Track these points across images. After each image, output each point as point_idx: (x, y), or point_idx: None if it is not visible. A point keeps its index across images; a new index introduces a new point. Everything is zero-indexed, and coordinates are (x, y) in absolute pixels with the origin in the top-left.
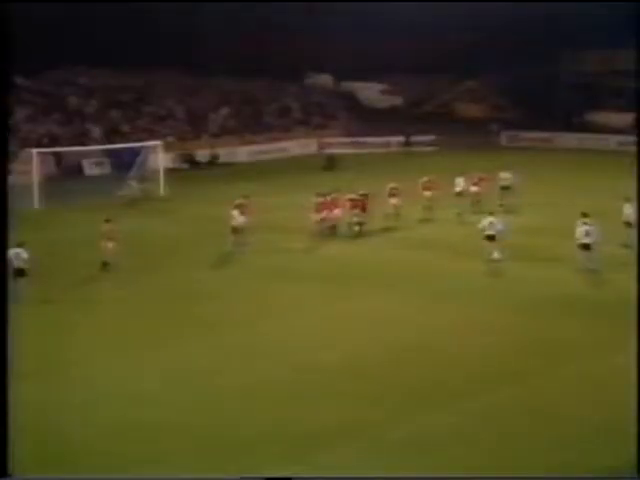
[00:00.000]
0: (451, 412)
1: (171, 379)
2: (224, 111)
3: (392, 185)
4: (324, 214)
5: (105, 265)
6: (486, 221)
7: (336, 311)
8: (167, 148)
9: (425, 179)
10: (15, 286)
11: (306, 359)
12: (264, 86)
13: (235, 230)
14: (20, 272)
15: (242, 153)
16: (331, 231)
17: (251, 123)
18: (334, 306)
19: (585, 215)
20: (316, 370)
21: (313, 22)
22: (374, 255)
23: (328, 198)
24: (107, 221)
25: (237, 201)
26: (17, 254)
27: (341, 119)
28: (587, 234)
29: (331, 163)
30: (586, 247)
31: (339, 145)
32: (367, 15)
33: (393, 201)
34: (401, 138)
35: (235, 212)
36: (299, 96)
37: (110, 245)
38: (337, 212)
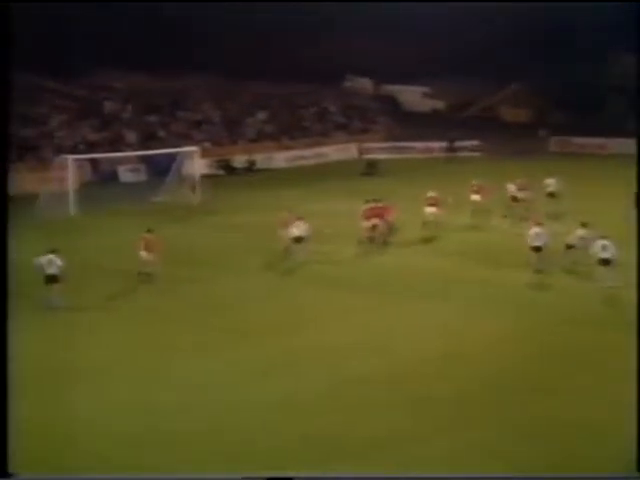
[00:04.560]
0: (489, 427)
1: (207, 388)
2: (261, 116)
3: (430, 194)
4: (372, 221)
5: (141, 274)
6: (532, 232)
7: (375, 321)
8: (203, 154)
9: (474, 182)
10: (47, 293)
11: (344, 369)
12: (302, 90)
13: (295, 240)
14: (53, 279)
15: (280, 159)
16: (377, 239)
17: (289, 128)
18: (374, 315)
19: (584, 225)
20: (353, 380)
21: (351, 24)
22: (415, 264)
23: (378, 204)
24: (148, 231)
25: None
26: (50, 260)
27: (381, 123)
28: (604, 248)
29: (371, 169)
30: (605, 262)
31: (379, 150)
32: (407, 17)
33: (431, 210)
34: (444, 143)
35: (300, 222)
36: (338, 100)
37: (149, 256)
38: (384, 219)
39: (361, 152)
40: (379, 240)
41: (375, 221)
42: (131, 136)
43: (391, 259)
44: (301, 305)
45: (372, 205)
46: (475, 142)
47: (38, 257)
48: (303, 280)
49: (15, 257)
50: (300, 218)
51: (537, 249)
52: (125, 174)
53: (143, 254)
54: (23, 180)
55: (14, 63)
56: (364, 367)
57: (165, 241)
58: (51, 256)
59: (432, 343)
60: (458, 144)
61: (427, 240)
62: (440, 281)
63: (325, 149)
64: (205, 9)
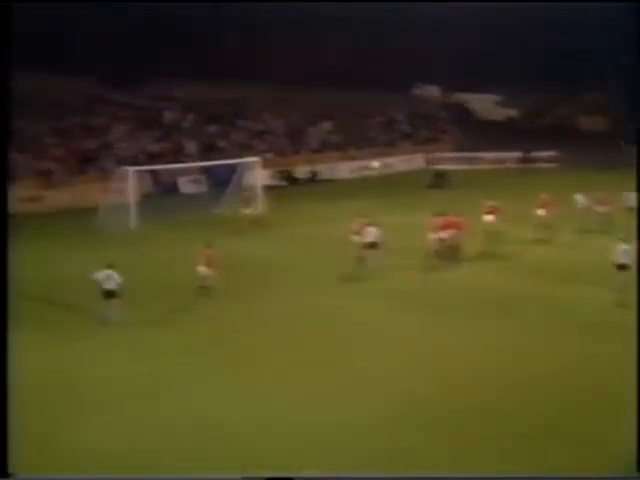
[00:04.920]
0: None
1: (265, 407)
2: (325, 125)
3: (490, 203)
4: (441, 235)
5: (202, 288)
6: (620, 248)
7: (439, 340)
8: (265, 164)
9: (542, 196)
10: (105, 308)
11: (401, 389)
12: (368, 98)
13: (369, 246)
14: (111, 294)
15: (344, 169)
16: (446, 254)
17: (354, 137)
18: (438, 334)
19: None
20: (410, 400)
21: (419, 30)
22: (484, 280)
23: (447, 217)
24: (208, 246)
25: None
26: (108, 276)
27: (451, 133)
28: (625, 253)
29: (440, 180)
30: (622, 267)
31: (449, 160)
32: (474, 18)
33: (488, 218)
34: (518, 153)
35: (372, 228)
36: (405, 108)
37: (208, 271)
38: (453, 232)
39: (429, 163)
40: (448, 255)
41: (444, 235)
42: (191, 146)
43: (459, 275)
44: (362, 321)
45: (442, 218)
46: (552, 153)
47: (97, 271)
48: (366, 295)
49: (73, 271)
50: (373, 224)
51: (622, 267)
52: (186, 185)
53: (202, 269)
54: (83, 192)
55: (76, 74)
56: (421, 388)
57: (226, 254)
58: (109, 271)
59: (506, 367)
60: (533, 154)
61: (498, 256)
62: (509, 299)
63: (391, 159)
64: (266, 17)
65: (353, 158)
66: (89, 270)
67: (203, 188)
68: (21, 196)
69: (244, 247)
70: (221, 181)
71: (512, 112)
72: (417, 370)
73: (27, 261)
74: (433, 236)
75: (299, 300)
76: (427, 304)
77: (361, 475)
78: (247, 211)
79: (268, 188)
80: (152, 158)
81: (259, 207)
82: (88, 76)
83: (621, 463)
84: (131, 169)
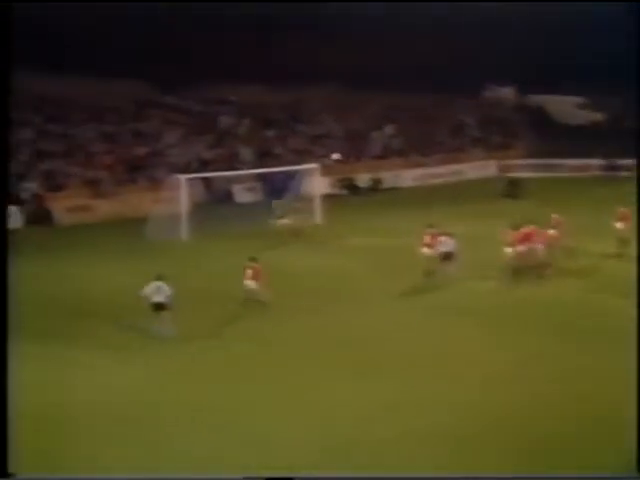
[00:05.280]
0: None
1: (320, 424)
2: (388, 130)
3: (554, 215)
4: (519, 248)
5: (251, 302)
6: None
7: (507, 361)
8: (324, 171)
9: (621, 209)
10: (154, 321)
11: (466, 408)
12: (434, 100)
13: (444, 257)
14: (160, 307)
15: (409, 177)
16: (525, 268)
17: (420, 143)
18: (506, 354)
19: None
20: (476, 420)
21: (488, 27)
22: (565, 298)
23: (526, 229)
24: (252, 260)
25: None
26: (158, 288)
27: (526, 138)
28: None
29: (514, 189)
30: None
31: (524, 168)
32: (555, 18)
33: (550, 232)
34: (602, 161)
35: (445, 238)
36: (476, 112)
37: (256, 285)
38: (533, 246)
39: (502, 170)
40: (527, 270)
41: (522, 248)
42: (247, 153)
43: (539, 292)
44: (428, 341)
45: (520, 230)
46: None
47: (147, 283)
48: (432, 311)
49: (122, 283)
50: (446, 234)
51: None
52: (240, 194)
53: (250, 283)
54: (133, 201)
55: (130, 78)
56: (487, 408)
57: (281, 266)
58: (159, 283)
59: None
60: (618, 162)
61: (573, 271)
62: (582, 315)
63: (460, 166)
64: (326, 17)
65: (418, 165)
66: (138, 282)
67: (258, 197)
68: (68, 206)
69: (300, 259)
70: (277, 189)
71: (595, 115)
72: (481, 391)
73: (74, 274)
74: (509, 249)
75: (358, 315)
76: (500, 321)
77: (361, 475)
78: (304, 221)
79: (327, 197)
80: (205, 165)
81: (317, 217)
82: (139, 79)
83: (621, 463)
84: (183, 177)
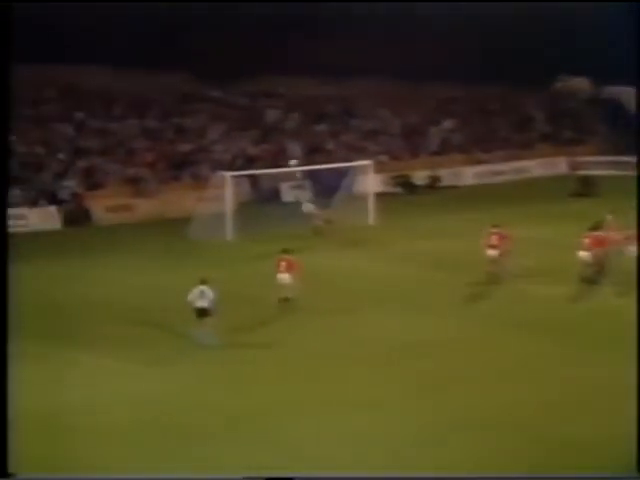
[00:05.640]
0: None
1: (361, 445)
2: (447, 124)
3: (610, 216)
4: (595, 253)
5: (283, 301)
6: None
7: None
8: (378, 168)
9: None
10: (197, 328)
11: (530, 431)
12: (499, 93)
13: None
14: (204, 312)
15: (469, 174)
16: (600, 276)
17: (482, 138)
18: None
19: None
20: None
21: (561, 14)
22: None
23: (602, 232)
24: (285, 251)
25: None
26: (201, 292)
27: (600, 133)
28: None
29: (586, 188)
30: None
31: (596, 165)
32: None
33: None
34: None
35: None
36: (545, 104)
37: (289, 279)
38: (607, 250)
39: (572, 167)
40: (600, 277)
41: (598, 253)
42: (295, 149)
43: (615, 302)
44: (488, 354)
45: (594, 233)
46: None
47: (190, 287)
48: (493, 321)
49: (165, 287)
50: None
51: None
52: (288, 192)
53: (283, 277)
54: (176, 200)
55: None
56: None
57: (330, 270)
58: (203, 287)
59: None
60: None
61: None
62: None
63: (526, 163)
64: (380, 7)
65: (479, 162)
66: (180, 285)
67: (307, 195)
68: (108, 205)
69: (349, 261)
70: (328, 187)
71: None
72: (545, 413)
73: (113, 276)
74: (584, 254)
75: (413, 324)
76: (568, 334)
77: (361, 475)
78: (357, 222)
79: (381, 195)
80: (251, 162)
81: (370, 217)
82: (182, 71)
83: (621, 463)
84: (228, 174)
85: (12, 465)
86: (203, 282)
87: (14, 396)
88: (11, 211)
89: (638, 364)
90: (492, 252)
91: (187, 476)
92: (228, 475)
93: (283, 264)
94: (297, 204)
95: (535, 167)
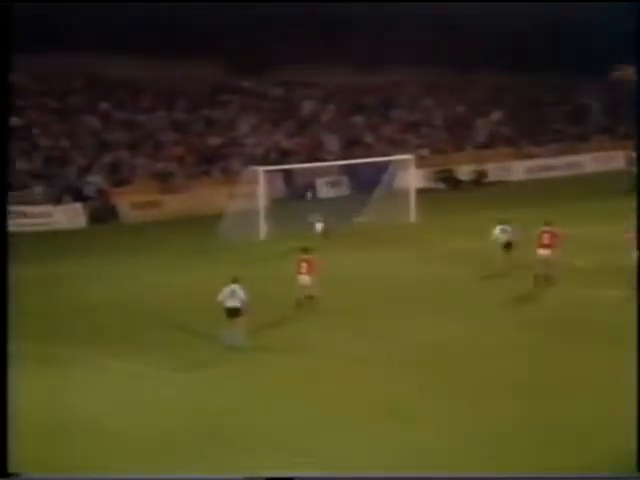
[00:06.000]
0: None
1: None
2: (495, 115)
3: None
4: None
5: (302, 303)
6: None
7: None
8: (420, 163)
9: None
10: (228, 329)
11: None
12: (550, 82)
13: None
14: (235, 312)
15: (518, 169)
16: None
17: (532, 131)
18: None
19: None
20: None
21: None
22: None
23: None
24: (304, 250)
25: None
26: (233, 291)
27: None
28: None
29: None
30: None
31: None
32: None
33: None
34: None
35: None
36: (601, 95)
37: (309, 280)
38: None
39: (631, 162)
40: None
41: None
42: (332, 142)
43: None
44: (537, 364)
45: None
46: None
47: (220, 286)
48: (543, 327)
49: (195, 287)
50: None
51: None
52: (324, 188)
53: (303, 278)
54: (206, 196)
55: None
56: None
57: (368, 272)
58: (234, 286)
59: None
60: None
61: None
62: None
63: (580, 157)
64: None
65: (530, 156)
66: (210, 286)
67: (344, 191)
68: (134, 202)
69: (387, 263)
70: (366, 183)
71: None
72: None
73: (140, 275)
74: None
75: (455, 329)
76: (621, 341)
77: (361, 475)
78: (396, 220)
79: (424, 192)
80: (285, 156)
81: (412, 215)
82: (213, 61)
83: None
84: (260, 169)
85: (12, 465)
86: (235, 281)
87: (21, 398)
88: (35, 209)
89: (638, 364)
90: (543, 252)
91: (187, 476)
92: (228, 475)
93: (304, 265)
94: (333, 201)
95: (590, 162)
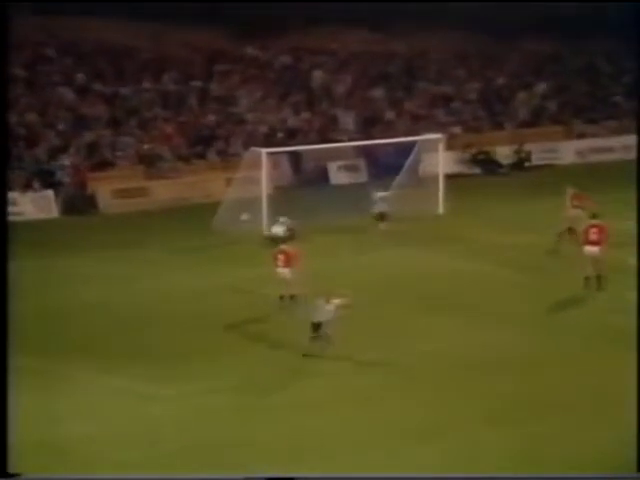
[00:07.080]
0: None
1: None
2: (540, 88)
3: None
4: None
5: (283, 298)
6: None
7: None
8: (451, 143)
9: None
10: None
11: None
12: (604, 49)
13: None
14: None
15: (568, 151)
16: None
17: (584, 107)
18: None
19: None
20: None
21: None
22: None
23: None
24: (284, 243)
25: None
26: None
27: None
28: None
29: None
30: None
31: None
32: None
33: None
34: None
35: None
36: None
37: (289, 273)
38: None
39: None
40: None
41: None
42: (347, 119)
43: None
44: (586, 378)
45: None
46: None
47: (214, 287)
48: (594, 337)
49: (184, 286)
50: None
51: None
52: (337, 174)
53: (282, 271)
54: (200, 182)
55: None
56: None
57: (390, 270)
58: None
59: None
60: None
61: None
62: None
63: None
64: None
65: (582, 135)
66: (206, 288)
67: (362, 177)
68: (117, 189)
69: (416, 262)
70: (387, 167)
71: None
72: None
73: (124, 275)
74: None
75: (492, 335)
76: None
77: (361, 475)
78: (422, 210)
79: (455, 177)
80: (292, 136)
81: (440, 204)
82: (209, 24)
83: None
84: (264, 151)
85: (12, 465)
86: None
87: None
88: None
89: (638, 363)
90: (591, 249)
91: (187, 476)
92: (228, 475)
93: (281, 257)
94: (349, 188)
95: None
